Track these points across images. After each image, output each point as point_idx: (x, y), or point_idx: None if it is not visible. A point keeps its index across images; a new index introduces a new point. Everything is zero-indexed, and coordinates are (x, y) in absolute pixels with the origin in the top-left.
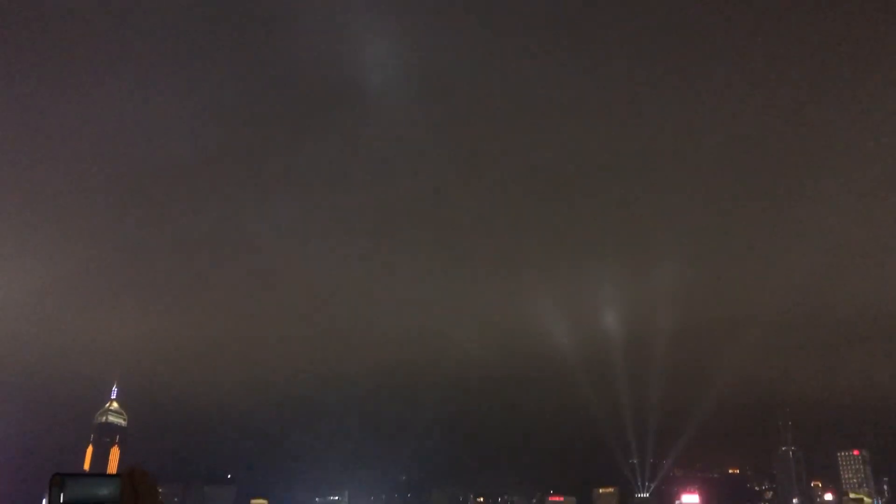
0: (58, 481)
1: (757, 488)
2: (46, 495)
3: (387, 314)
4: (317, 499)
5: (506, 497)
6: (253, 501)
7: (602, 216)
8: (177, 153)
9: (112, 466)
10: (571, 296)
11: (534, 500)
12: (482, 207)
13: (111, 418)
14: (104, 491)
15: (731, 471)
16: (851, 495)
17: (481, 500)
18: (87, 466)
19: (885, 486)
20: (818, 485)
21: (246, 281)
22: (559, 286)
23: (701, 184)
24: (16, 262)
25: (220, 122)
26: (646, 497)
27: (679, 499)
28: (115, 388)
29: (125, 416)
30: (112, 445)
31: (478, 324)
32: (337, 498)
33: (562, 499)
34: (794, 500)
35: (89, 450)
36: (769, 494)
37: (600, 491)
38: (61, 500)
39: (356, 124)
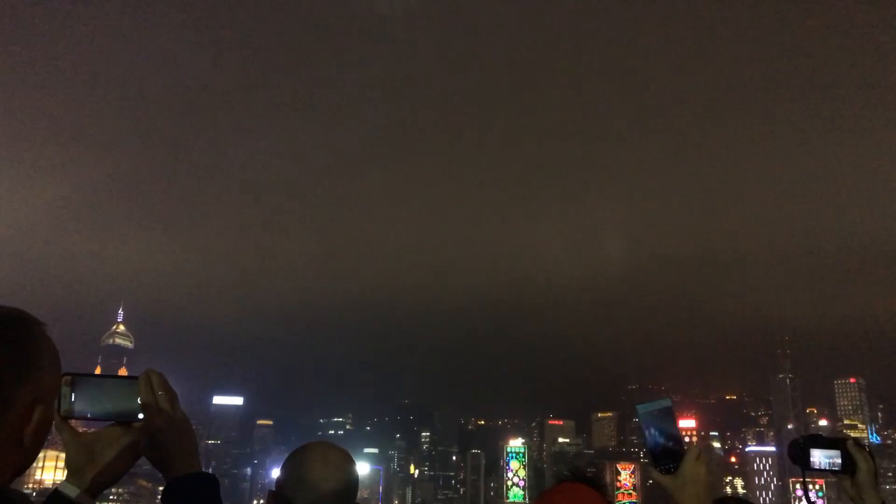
0: (69, 380)
1: (753, 414)
2: (56, 398)
3: (395, 241)
4: (321, 420)
5: (506, 420)
6: (259, 422)
7: (608, 147)
8: (187, 79)
9: None
10: (576, 226)
11: (533, 423)
12: (494, 139)
13: (118, 340)
14: (116, 390)
15: (727, 397)
16: (845, 421)
17: (482, 422)
18: None
19: (880, 413)
20: (813, 411)
21: (254, 207)
22: (565, 217)
23: (701, 116)
24: (22, 187)
25: (231, 48)
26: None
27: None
28: (121, 311)
29: (132, 338)
30: (120, 367)
31: (485, 253)
32: (341, 419)
33: (561, 422)
34: (789, 426)
35: (97, 371)
36: (765, 420)
37: (599, 415)
38: (72, 399)
39: (368, 51)
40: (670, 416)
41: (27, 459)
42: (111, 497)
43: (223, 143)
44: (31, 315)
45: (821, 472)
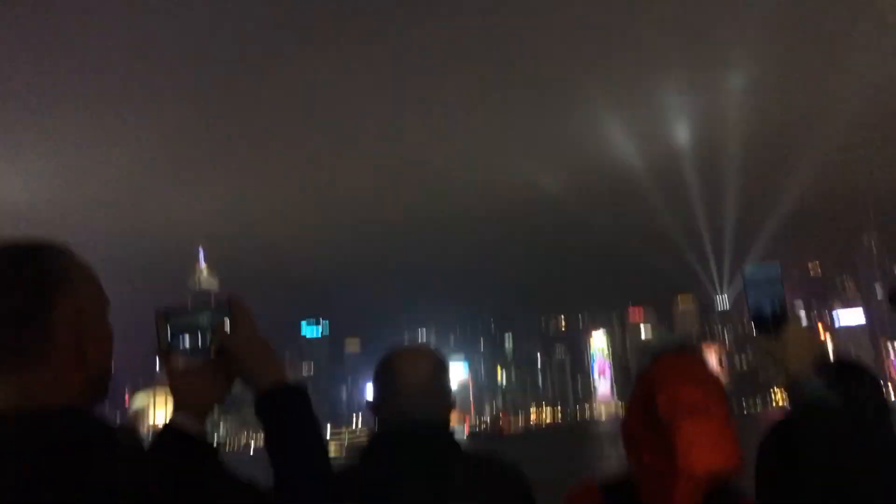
0: (163, 316)
1: (838, 280)
2: (155, 335)
3: (458, 156)
4: (406, 335)
5: (585, 314)
6: (347, 340)
7: (669, 18)
8: (241, 23)
9: None
10: (641, 112)
11: (613, 315)
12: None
13: (203, 283)
14: (206, 318)
15: (810, 264)
16: None
17: (563, 319)
18: None
19: None
20: None
21: (314, 141)
22: (628, 102)
23: None
24: (98, 152)
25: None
26: (725, 298)
27: None
28: (201, 255)
29: (216, 280)
30: None
31: (548, 154)
32: (424, 331)
33: (641, 311)
34: (876, 284)
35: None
36: (851, 286)
37: (680, 300)
38: (169, 334)
39: None
40: (778, 281)
41: (100, 376)
42: (220, 427)
43: (278, 83)
44: (54, 241)
45: None
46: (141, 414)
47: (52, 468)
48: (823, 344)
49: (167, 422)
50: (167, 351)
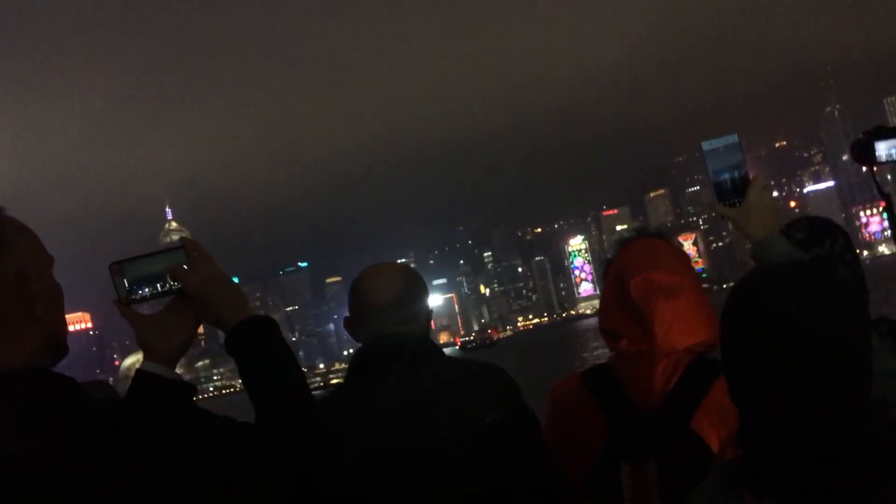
0: (116, 269)
1: (805, 154)
2: (113, 287)
3: (418, 77)
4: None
5: (561, 222)
6: (328, 280)
7: None
8: None
9: None
10: (596, 8)
11: (589, 218)
12: None
13: (174, 236)
14: (161, 264)
15: (777, 144)
16: None
17: (538, 230)
18: None
19: None
20: None
21: (271, 78)
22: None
23: None
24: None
25: None
26: (697, 190)
27: None
28: (167, 209)
29: (187, 232)
30: None
31: (505, 68)
32: (404, 259)
33: (615, 211)
34: (844, 157)
35: None
36: (818, 158)
37: (651, 195)
38: (125, 285)
39: None
40: (738, 150)
41: (53, 332)
42: (216, 377)
43: (230, 23)
44: None
45: (890, 164)
46: (131, 373)
47: (21, 430)
48: (788, 209)
49: (137, 370)
50: (126, 302)
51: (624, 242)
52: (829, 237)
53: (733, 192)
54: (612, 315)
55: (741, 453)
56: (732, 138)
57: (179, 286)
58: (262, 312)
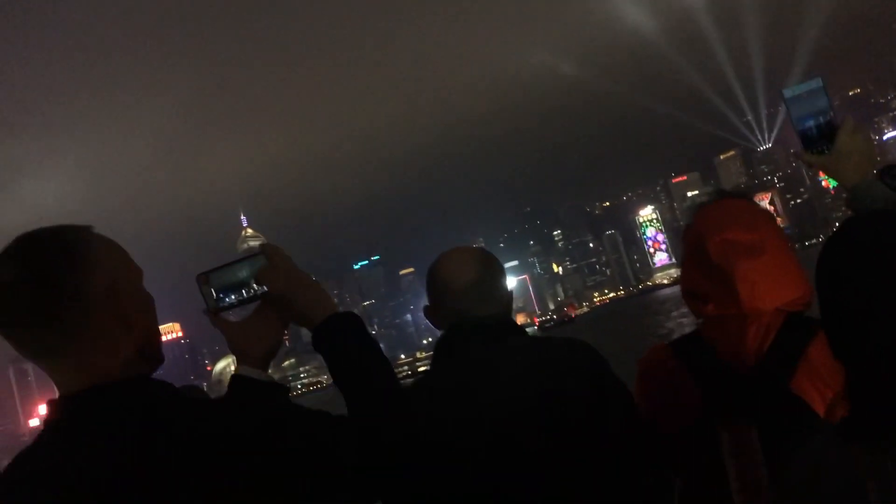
0: (204, 279)
1: (882, 100)
2: (201, 297)
3: (467, 59)
4: None
5: (630, 193)
6: (402, 272)
7: None
8: None
9: None
10: None
11: (658, 187)
12: None
13: (251, 243)
14: (244, 271)
15: (850, 93)
16: None
17: (607, 203)
18: None
19: None
20: None
21: (331, 80)
22: None
23: None
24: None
25: None
26: (769, 147)
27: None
28: (242, 217)
29: (263, 237)
30: None
31: (560, 37)
32: (475, 245)
33: (685, 178)
34: None
35: None
36: (895, 103)
37: (721, 157)
38: (213, 294)
39: None
40: (822, 94)
41: (149, 341)
42: (302, 375)
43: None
44: (73, 225)
45: None
46: (224, 377)
47: (126, 438)
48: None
49: (233, 375)
50: (215, 310)
51: (701, 206)
52: None
53: (820, 139)
54: (696, 280)
55: (850, 412)
56: (816, 82)
57: (264, 290)
58: (341, 308)
